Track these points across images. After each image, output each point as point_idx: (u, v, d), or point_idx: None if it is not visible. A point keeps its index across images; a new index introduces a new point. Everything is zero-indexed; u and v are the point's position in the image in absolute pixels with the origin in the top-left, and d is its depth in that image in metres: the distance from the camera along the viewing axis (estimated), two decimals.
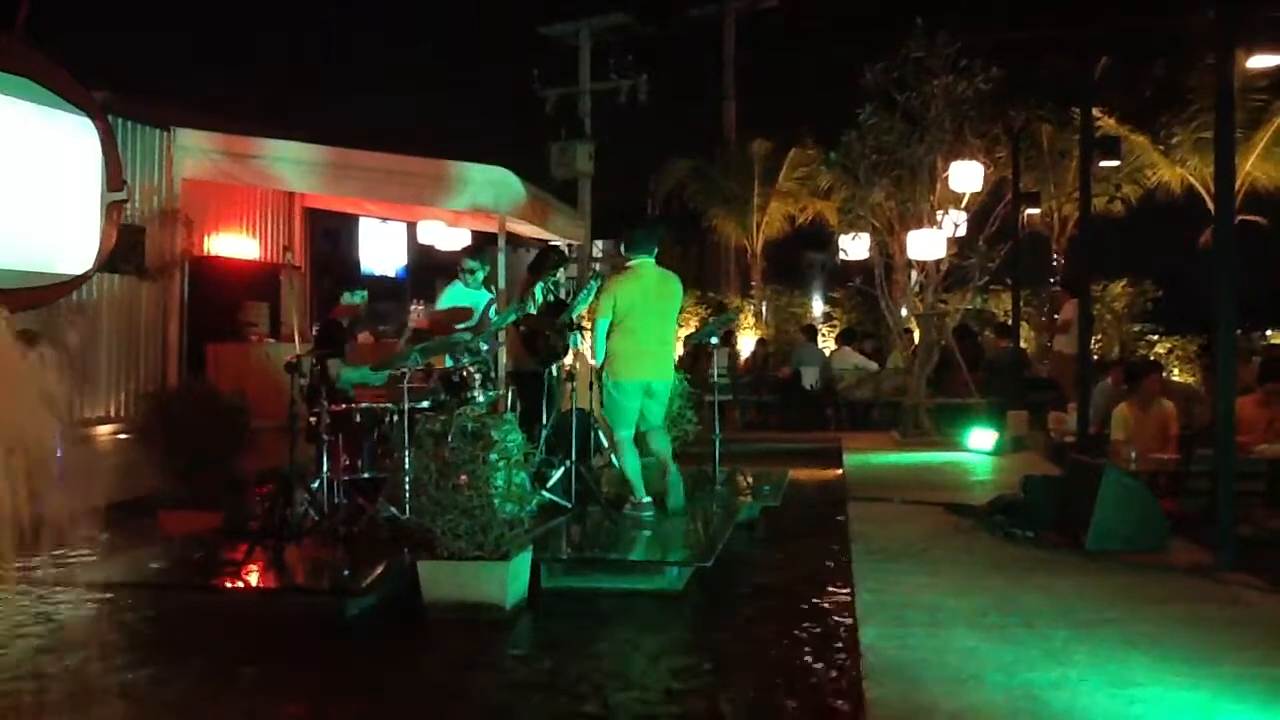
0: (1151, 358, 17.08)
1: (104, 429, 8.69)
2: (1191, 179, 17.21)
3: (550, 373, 8.28)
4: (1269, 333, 20.40)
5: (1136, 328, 18.52)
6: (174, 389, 8.78)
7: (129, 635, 5.05)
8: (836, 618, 5.26)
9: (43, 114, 8.04)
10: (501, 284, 9.31)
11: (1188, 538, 6.38)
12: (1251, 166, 16.77)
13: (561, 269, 8.24)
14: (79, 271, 8.44)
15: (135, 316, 9.42)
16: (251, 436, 7.84)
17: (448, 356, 7.16)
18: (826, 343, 18.98)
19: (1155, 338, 18.61)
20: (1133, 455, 7.90)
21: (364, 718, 4.13)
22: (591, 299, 7.81)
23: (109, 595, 5.62)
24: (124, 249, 9.00)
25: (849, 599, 5.44)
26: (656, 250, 7.45)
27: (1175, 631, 4.59)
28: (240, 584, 5.95)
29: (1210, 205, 17.28)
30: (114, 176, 8.69)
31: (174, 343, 9.65)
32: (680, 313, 7.77)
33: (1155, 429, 8.38)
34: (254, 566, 6.13)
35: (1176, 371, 17.01)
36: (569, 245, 13.86)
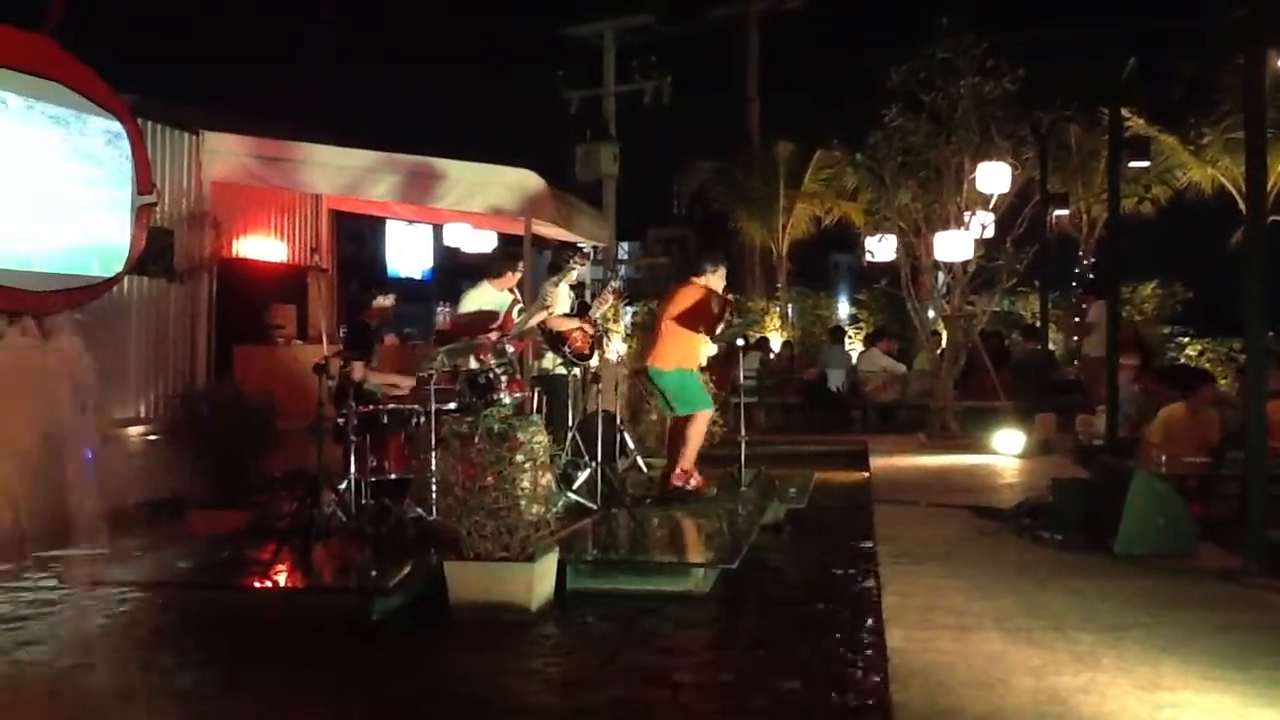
0: (1182, 360, 16.92)
1: (133, 429, 8.77)
2: (1222, 179, 17.00)
3: (576, 374, 8.31)
4: None
5: (1166, 330, 18.34)
6: (202, 390, 8.85)
7: (156, 633, 5.10)
8: (862, 620, 5.25)
9: (73, 117, 8.12)
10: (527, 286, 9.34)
11: (1217, 542, 6.31)
12: None
13: (574, 269, 8.26)
14: (109, 274, 8.51)
15: (164, 318, 9.50)
16: (279, 437, 7.89)
17: (472, 359, 7.19)
18: (854, 345, 18.91)
19: (1185, 340, 18.42)
20: (1162, 459, 7.83)
21: (389, 718, 4.15)
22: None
23: (137, 593, 5.67)
24: (153, 251, 9.07)
25: (875, 601, 5.42)
26: (699, 268, 8.16)
27: (1204, 636, 4.55)
28: (267, 584, 5.98)
29: (1242, 206, 17.08)
30: (143, 179, 8.76)
31: (202, 344, 9.72)
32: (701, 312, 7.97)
33: (1199, 436, 8.28)
34: (281, 566, 6.17)
35: None
36: (594, 248, 13.89)
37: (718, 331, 8.03)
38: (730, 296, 8.23)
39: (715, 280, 8.08)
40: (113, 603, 5.53)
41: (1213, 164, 17.07)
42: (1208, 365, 16.95)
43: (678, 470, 7.99)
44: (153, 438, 8.51)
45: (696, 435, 8.04)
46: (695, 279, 8.09)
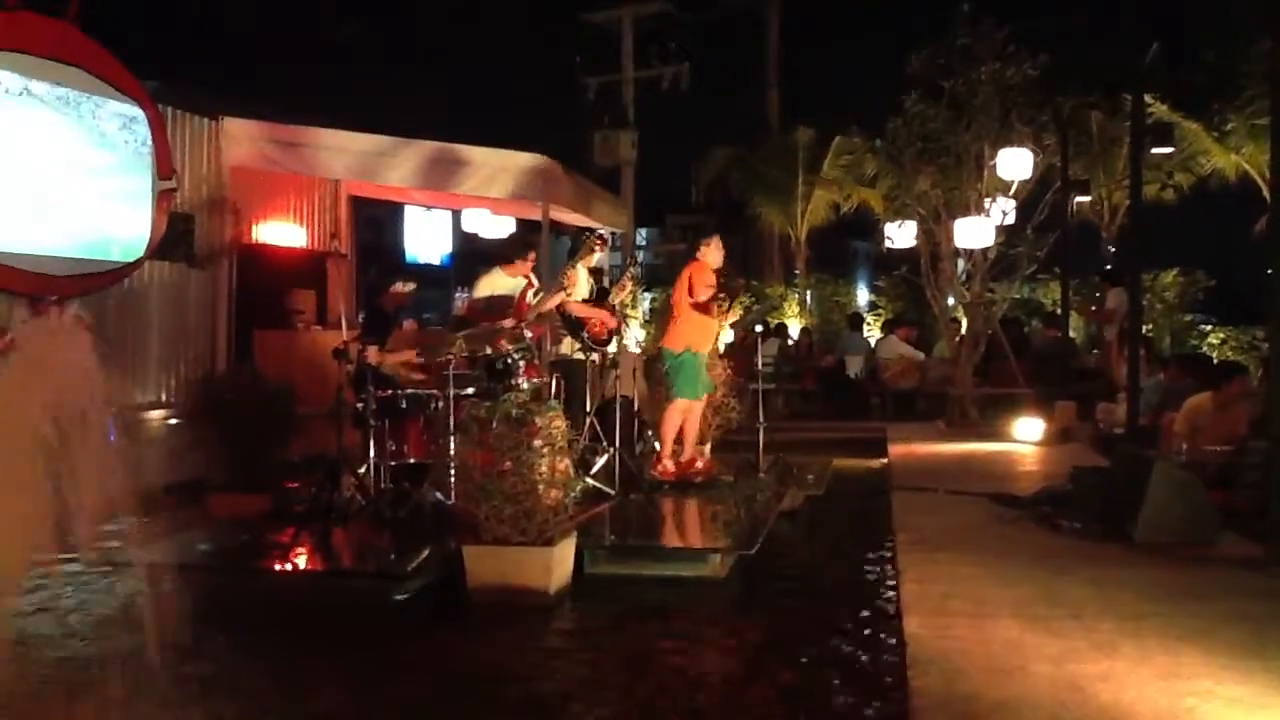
0: (1204, 349, 16.81)
1: (154, 414, 8.82)
2: (1246, 166, 16.85)
3: (594, 360, 8.31)
4: None
5: (1188, 318, 18.22)
6: (222, 375, 8.90)
7: (176, 616, 5.13)
8: (880, 607, 5.24)
9: (94, 103, 8.16)
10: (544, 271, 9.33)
11: (1238, 531, 6.27)
12: None
13: (594, 250, 8.24)
14: (130, 259, 8.56)
15: (184, 303, 9.54)
16: (298, 422, 7.93)
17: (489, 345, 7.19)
18: (872, 332, 18.86)
19: (1207, 328, 18.29)
20: (1183, 447, 7.78)
21: (408, 701, 4.17)
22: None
23: (158, 576, 5.70)
24: (174, 237, 9.11)
25: (893, 588, 5.42)
26: (695, 247, 8.25)
27: (1224, 626, 4.52)
28: (287, 567, 6.03)
29: (1266, 193, 16.93)
30: (163, 165, 8.80)
31: (222, 329, 9.76)
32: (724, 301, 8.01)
33: (1225, 428, 8.23)
34: (301, 550, 6.21)
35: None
36: (612, 233, 13.89)
37: (714, 300, 7.98)
38: (722, 267, 8.19)
39: (712, 253, 8.09)
40: (132, 584, 5.57)
41: (1236, 150, 16.90)
42: (1230, 354, 16.85)
43: (654, 457, 8.13)
44: (173, 422, 8.56)
45: (670, 422, 8.05)
46: (696, 259, 8.16)
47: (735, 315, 8.31)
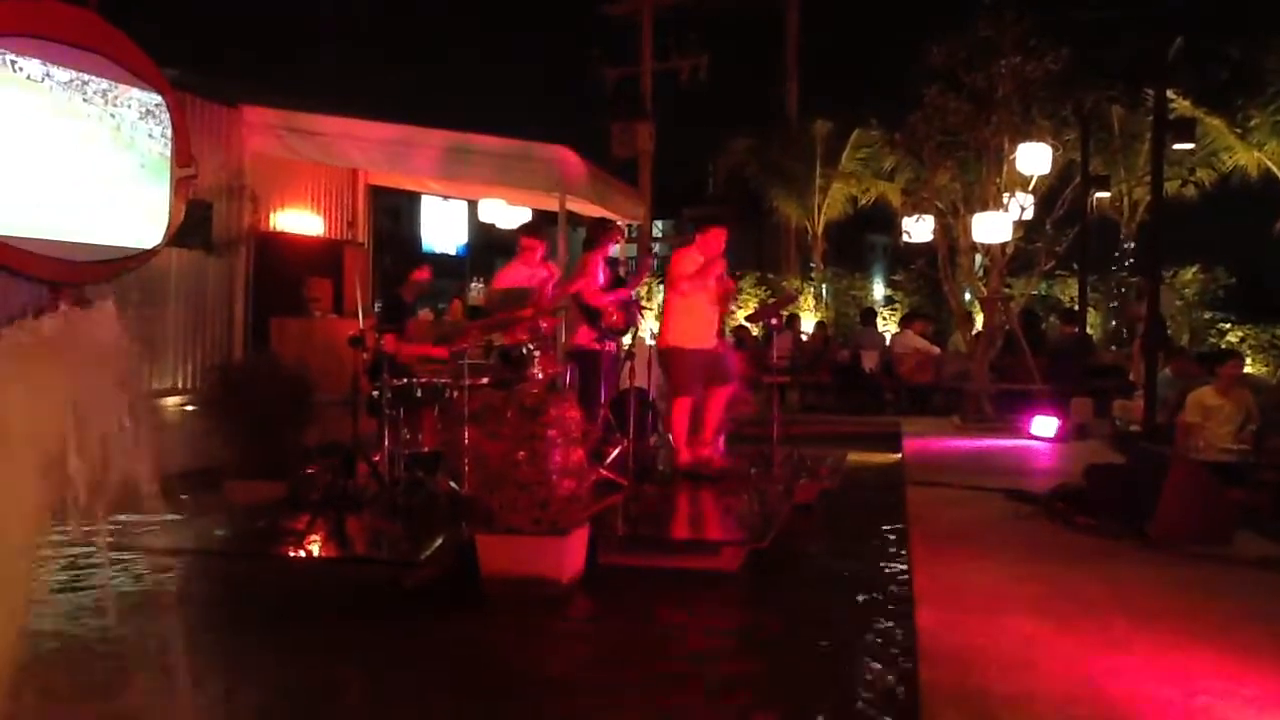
0: (1223, 346, 16.72)
1: (171, 400, 8.87)
2: (1269, 163, 16.73)
3: (608, 350, 8.31)
4: None
5: (1207, 315, 18.11)
6: (240, 362, 8.94)
7: (192, 600, 5.17)
8: (892, 601, 5.23)
9: (114, 89, 8.19)
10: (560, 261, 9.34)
11: (1255, 530, 6.24)
12: None
13: (612, 244, 8.22)
14: (148, 246, 8.60)
15: (202, 291, 9.59)
16: (315, 410, 7.96)
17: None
18: (887, 326, 18.80)
19: (1227, 326, 18.18)
20: (1200, 444, 7.75)
21: (421, 687, 4.18)
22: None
23: (175, 561, 5.75)
24: (192, 224, 9.16)
25: (906, 582, 5.40)
26: (691, 236, 8.06)
27: (1240, 624, 4.50)
28: (302, 553, 6.05)
29: None
30: (182, 152, 8.83)
31: (240, 317, 9.82)
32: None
33: (1232, 416, 8.21)
34: (316, 536, 6.24)
35: (1250, 361, 16.62)
36: (628, 225, 13.88)
37: (690, 282, 7.73)
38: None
39: (710, 240, 7.81)
40: (150, 569, 5.61)
41: (1259, 147, 16.78)
42: (1248, 353, 16.75)
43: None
44: (190, 408, 8.60)
45: (676, 418, 7.85)
46: (690, 247, 7.92)
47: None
